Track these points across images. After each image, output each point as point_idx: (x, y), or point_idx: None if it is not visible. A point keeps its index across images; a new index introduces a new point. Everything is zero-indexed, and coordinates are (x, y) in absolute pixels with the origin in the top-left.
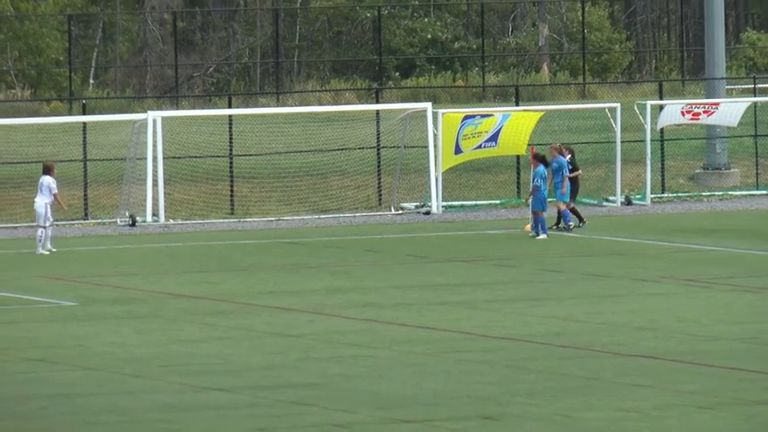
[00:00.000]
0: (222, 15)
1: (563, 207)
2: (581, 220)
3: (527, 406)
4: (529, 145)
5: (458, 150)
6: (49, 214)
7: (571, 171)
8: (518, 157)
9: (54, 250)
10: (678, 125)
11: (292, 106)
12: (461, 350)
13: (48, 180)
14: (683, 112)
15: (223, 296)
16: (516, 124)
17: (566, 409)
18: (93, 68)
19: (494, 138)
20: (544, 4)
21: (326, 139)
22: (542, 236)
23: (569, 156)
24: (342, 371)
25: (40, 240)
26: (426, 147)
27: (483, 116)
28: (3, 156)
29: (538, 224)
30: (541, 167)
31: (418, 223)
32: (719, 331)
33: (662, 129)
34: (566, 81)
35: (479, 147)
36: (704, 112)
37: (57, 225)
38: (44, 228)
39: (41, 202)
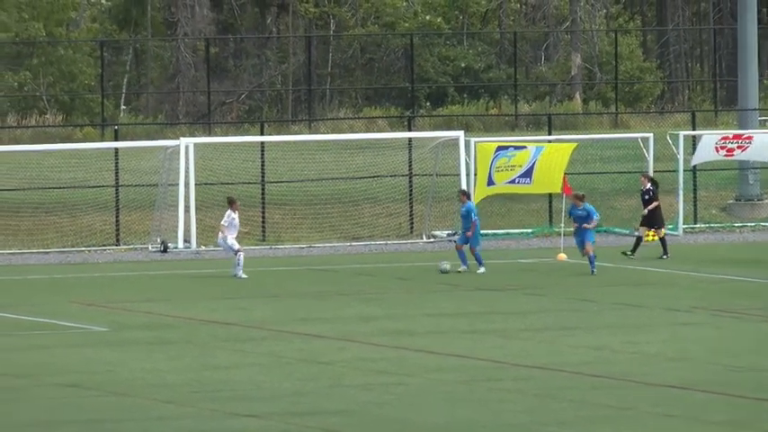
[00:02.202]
0: (255, 42)
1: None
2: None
3: None
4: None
5: (490, 182)
6: (229, 242)
7: (650, 201)
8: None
9: (243, 276)
10: (712, 161)
11: (324, 133)
12: (492, 378)
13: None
14: (717, 149)
15: (254, 323)
16: (550, 159)
17: None
18: (124, 94)
19: (528, 174)
20: (577, 34)
21: (358, 167)
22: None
23: (650, 185)
24: (372, 398)
25: (238, 264)
26: (458, 175)
27: (516, 148)
28: (35, 181)
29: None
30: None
31: (450, 251)
32: (750, 362)
33: None
34: (598, 110)
35: (513, 181)
36: (738, 147)
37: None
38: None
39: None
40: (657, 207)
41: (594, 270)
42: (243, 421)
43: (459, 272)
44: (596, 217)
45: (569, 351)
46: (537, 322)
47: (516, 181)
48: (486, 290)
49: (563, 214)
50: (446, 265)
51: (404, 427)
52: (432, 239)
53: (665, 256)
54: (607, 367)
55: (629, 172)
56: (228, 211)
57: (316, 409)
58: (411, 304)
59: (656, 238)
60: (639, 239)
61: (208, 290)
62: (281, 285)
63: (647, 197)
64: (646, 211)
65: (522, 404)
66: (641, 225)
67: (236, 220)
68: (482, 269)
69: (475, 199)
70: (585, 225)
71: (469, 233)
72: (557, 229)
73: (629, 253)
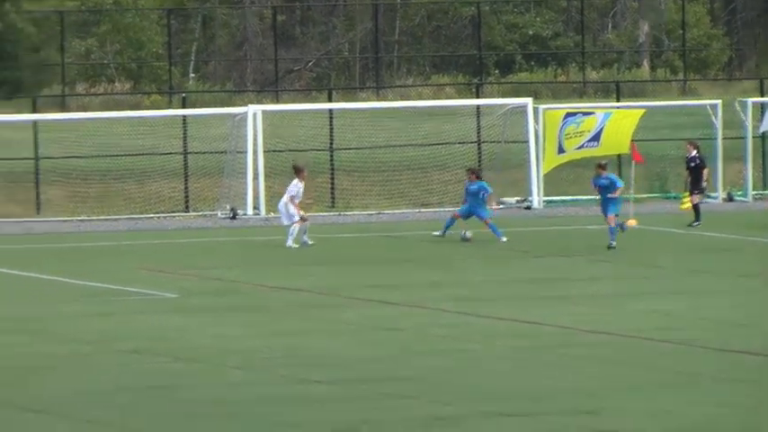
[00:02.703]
0: (322, 10)
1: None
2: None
3: (628, 401)
4: (632, 141)
5: (561, 150)
6: (291, 211)
7: (697, 168)
8: (618, 155)
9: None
10: None
11: (392, 101)
12: (562, 345)
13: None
14: None
15: (324, 289)
16: (618, 123)
17: (666, 404)
18: (192, 62)
19: (596, 137)
20: (644, 1)
21: (427, 134)
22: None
23: (695, 152)
24: (443, 364)
25: (292, 233)
26: (527, 142)
27: (584, 114)
28: (104, 148)
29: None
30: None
31: (519, 218)
32: None
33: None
34: (666, 78)
35: (581, 147)
36: None
37: (160, 218)
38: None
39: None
40: (702, 172)
41: (613, 243)
42: (314, 387)
43: (435, 235)
44: (620, 185)
45: (638, 317)
46: (605, 288)
47: (584, 146)
48: (554, 256)
49: (632, 181)
50: (468, 233)
51: (474, 394)
52: (500, 206)
53: (696, 224)
54: (676, 333)
55: (698, 139)
56: (295, 180)
57: (386, 376)
58: (480, 271)
59: (690, 205)
60: (697, 207)
61: (277, 256)
62: (350, 252)
63: (692, 164)
64: (703, 182)
65: (591, 370)
66: (693, 193)
67: (302, 191)
68: (504, 238)
69: (544, 168)
70: (609, 195)
71: (496, 207)
72: (626, 196)
73: (694, 224)
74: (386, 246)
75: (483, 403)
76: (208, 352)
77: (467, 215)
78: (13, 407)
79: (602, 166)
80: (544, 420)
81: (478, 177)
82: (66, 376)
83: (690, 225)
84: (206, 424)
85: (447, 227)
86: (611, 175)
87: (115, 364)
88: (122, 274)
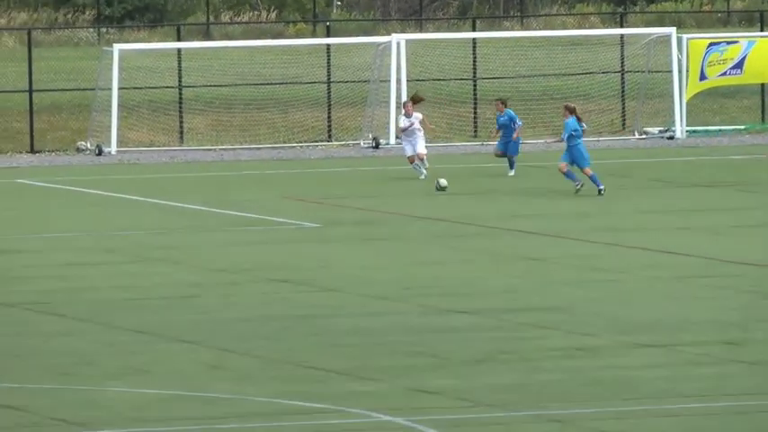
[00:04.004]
0: None
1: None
2: None
3: None
4: None
5: (702, 77)
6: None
7: None
8: (762, 84)
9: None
10: None
11: (536, 30)
12: (705, 275)
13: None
14: None
15: (465, 219)
16: (762, 52)
17: None
18: None
19: (739, 65)
20: None
21: (570, 63)
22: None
23: None
24: (585, 295)
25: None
26: (670, 72)
27: (728, 43)
28: (247, 77)
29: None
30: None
31: (662, 148)
32: None
33: None
34: None
35: (724, 74)
36: None
37: (303, 147)
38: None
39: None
40: None
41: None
42: (454, 317)
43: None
44: (519, 123)
45: None
46: (749, 218)
47: (727, 73)
48: (698, 186)
49: None
50: (443, 182)
51: (616, 324)
52: (644, 136)
53: None
54: None
55: None
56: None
57: (528, 306)
58: (624, 201)
59: None
60: None
61: (419, 186)
62: (492, 181)
63: None
64: None
65: (735, 301)
66: None
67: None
68: (512, 172)
69: (687, 95)
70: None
71: (516, 135)
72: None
73: None
74: (529, 175)
75: (623, 334)
76: (349, 282)
77: (504, 149)
78: (158, 336)
79: (503, 102)
80: (684, 351)
81: (506, 105)
82: (209, 306)
83: None
84: (348, 353)
85: (511, 165)
86: (509, 111)
87: (258, 293)
88: (265, 204)
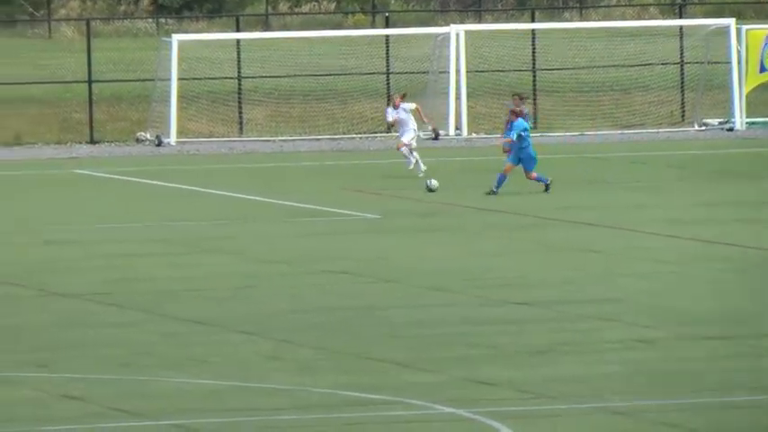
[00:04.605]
0: None
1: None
2: None
3: None
4: None
5: (762, 69)
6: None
7: None
8: None
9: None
10: None
11: (595, 21)
12: (766, 267)
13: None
14: None
15: (524, 210)
16: None
17: None
18: None
19: None
20: None
21: (629, 54)
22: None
23: None
24: (645, 287)
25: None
26: (729, 63)
27: None
28: (306, 68)
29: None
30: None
31: (721, 140)
32: None
33: None
34: None
35: None
36: None
37: (362, 138)
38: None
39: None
40: None
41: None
42: (511, 308)
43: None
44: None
45: None
46: None
47: None
48: (758, 178)
49: None
50: (434, 182)
51: (676, 316)
52: (703, 128)
53: None
54: None
55: None
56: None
57: (586, 297)
58: (683, 192)
59: None
60: None
61: (477, 177)
62: (551, 173)
63: None
64: None
65: None
66: None
67: (391, 115)
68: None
69: (746, 87)
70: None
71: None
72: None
73: None
74: (588, 167)
75: (683, 326)
76: (408, 273)
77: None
78: (217, 326)
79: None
80: (744, 344)
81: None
82: (267, 296)
83: None
84: (406, 344)
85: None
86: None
87: (317, 284)
88: (325, 195)
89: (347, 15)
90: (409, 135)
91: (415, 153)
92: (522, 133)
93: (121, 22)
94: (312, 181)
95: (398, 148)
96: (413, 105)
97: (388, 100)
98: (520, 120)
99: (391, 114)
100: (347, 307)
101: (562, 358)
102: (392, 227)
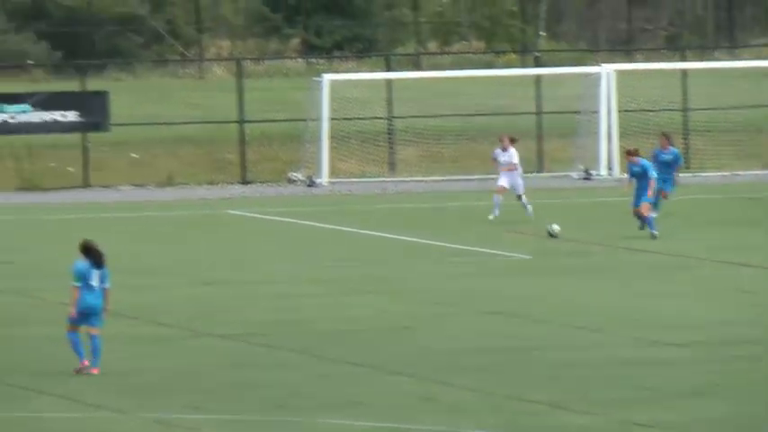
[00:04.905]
0: None
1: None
2: None
3: None
4: None
5: None
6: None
7: None
8: None
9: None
10: None
11: (746, 59)
12: None
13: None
14: None
15: (678, 252)
16: None
17: None
18: (544, 20)
19: None
20: None
21: None
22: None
23: None
24: None
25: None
26: None
27: None
28: (457, 108)
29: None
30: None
31: None
32: None
33: None
34: None
35: None
36: None
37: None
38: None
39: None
40: None
41: (654, 232)
42: (667, 350)
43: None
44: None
45: None
46: None
47: None
48: None
49: None
50: (555, 227)
51: None
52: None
53: None
54: None
55: None
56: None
57: (742, 338)
58: None
59: None
60: None
61: (629, 218)
62: (705, 213)
63: None
64: None
65: None
66: None
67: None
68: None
69: None
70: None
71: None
72: None
73: None
74: (742, 207)
75: None
76: (561, 313)
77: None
78: (372, 368)
79: (631, 153)
80: None
81: (671, 143)
82: (423, 337)
83: None
84: (561, 385)
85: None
86: (643, 161)
87: (471, 325)
88: (478, 235)
89: (498, 55)
90: (509, 180)
91: (524, 197)
92: (638, 175)
93: (272, 63)
94: (463, 221)
95: (500, 193)
96: (516, 155)
97: (512, 140)
98: (641, 161)
99: (500, 156)
100: (501, 348)
101: (717, 400)
102: (544, 267)
